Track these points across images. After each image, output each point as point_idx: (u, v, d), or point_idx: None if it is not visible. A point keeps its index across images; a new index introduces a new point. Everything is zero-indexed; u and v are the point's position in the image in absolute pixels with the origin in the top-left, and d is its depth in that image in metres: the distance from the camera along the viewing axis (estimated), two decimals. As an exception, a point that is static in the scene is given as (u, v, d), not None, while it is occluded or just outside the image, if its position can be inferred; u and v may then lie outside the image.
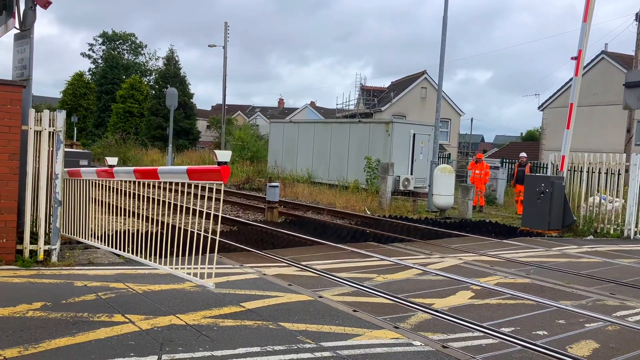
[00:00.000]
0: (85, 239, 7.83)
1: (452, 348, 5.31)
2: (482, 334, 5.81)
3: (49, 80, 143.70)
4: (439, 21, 20.02)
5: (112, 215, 8.66)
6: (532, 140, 61.04)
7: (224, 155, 4.33)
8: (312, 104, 70.74)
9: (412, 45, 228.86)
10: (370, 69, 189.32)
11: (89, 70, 66.40)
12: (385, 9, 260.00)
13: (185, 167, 4.83)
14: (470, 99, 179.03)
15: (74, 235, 8.27)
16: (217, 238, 4.40)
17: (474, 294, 7.49)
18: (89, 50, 67.29)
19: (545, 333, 5.97)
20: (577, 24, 16.57)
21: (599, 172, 14.40)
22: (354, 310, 6.37)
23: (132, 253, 6.68)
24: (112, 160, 6.59)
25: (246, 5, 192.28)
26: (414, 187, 22.63)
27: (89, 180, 7.72)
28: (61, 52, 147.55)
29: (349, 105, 46.58)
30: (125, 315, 5.63)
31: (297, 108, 69.37)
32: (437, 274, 8.66)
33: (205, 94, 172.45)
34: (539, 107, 39.95)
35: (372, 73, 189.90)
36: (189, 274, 4.71)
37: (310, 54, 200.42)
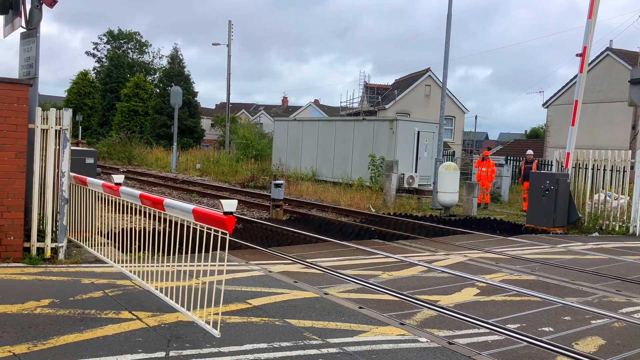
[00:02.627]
0: (92, 248, 7.83)
1: (458, 344, 5.32)
2: (488, 330, 5.83)
3: (50, 78, 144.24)
4: (437, 17, 20.14)
5: (118, 213, 8.65)
6: (536, 137, 60.90)
7: (230, 205, 4.22)
8: (316, 102, 70.77)
9: (411, 41, 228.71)
10: (370, 66, 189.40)
11: (94, 69, 66.62)
12: (381, 4, 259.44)
13: (191, 207, 4.79)
14: (472, 96, 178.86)
15: (81, 241, 8.26)
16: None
17: (479, 291, 7.50)
18: (94, 49, 67.53)
19: (551, 329, 5.97)
20: (578, 21, 16.54)
21: (604, 169, 14.37)
22: (360, 307, 6.39)
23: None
24: (118, 178, 6.57)
25: (241, 3, 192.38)
26: (419, 185, 22.63)
27: (94, 190, 7.70)
28: (61, 51, 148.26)
29: (352, 103, 46.63)
30: (133, 312, 5.67)
31: (301, 106, 69.40)
32: (442, 271, 8.67)
33: (205, 92, 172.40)
34: (543, 105, 39.83)
35: (372, 70, 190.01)
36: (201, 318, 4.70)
37: (308, 51, 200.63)
